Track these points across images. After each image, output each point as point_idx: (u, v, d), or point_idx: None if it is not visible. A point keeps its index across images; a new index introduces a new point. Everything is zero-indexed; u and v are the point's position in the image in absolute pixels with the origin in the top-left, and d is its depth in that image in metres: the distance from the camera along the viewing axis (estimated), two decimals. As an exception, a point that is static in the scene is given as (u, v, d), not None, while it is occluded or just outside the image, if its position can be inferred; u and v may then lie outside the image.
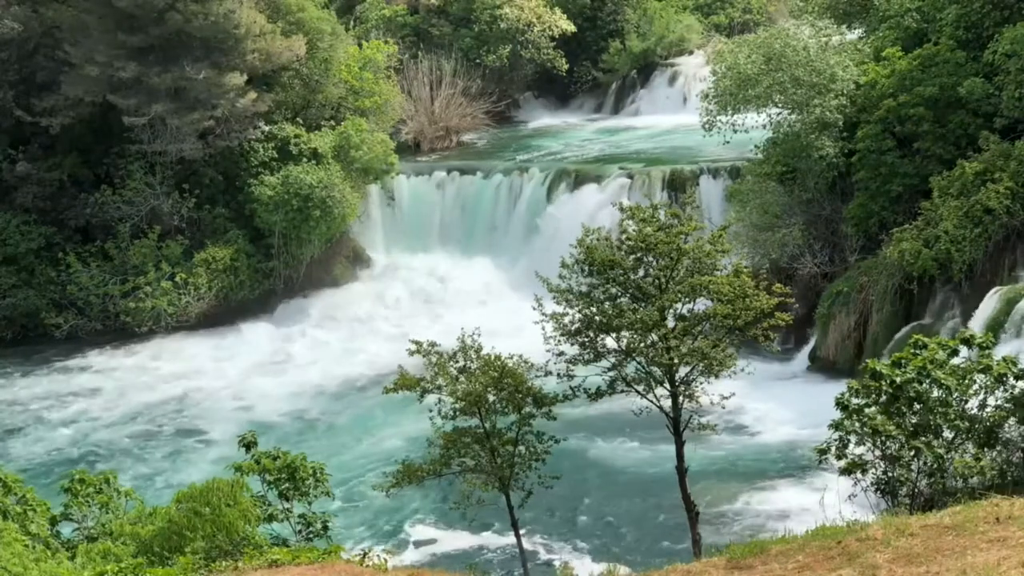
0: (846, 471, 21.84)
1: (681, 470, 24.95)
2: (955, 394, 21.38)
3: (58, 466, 37.97)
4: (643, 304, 24.34)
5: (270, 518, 22.49)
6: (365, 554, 20.61)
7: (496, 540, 31.05)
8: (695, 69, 67.16)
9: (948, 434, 21.47)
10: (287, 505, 22.65)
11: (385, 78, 58.62)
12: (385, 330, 49.39)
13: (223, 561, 19.15)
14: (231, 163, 53.14)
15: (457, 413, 24.38)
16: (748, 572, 15.55)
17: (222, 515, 20.53)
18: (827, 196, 43.77)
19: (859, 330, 40.11)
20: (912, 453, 21.17)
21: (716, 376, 24.35)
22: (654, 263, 24.42)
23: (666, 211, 25.51)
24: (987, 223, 37.28)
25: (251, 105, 51.52)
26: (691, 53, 71.50)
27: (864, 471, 21.74)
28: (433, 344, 24.84)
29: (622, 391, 24.72)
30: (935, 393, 21.43)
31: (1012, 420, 21.53)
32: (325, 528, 22.89)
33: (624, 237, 24.68)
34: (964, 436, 21.42)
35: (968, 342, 22.57)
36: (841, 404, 22.02)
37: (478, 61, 67.54)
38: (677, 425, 24.71)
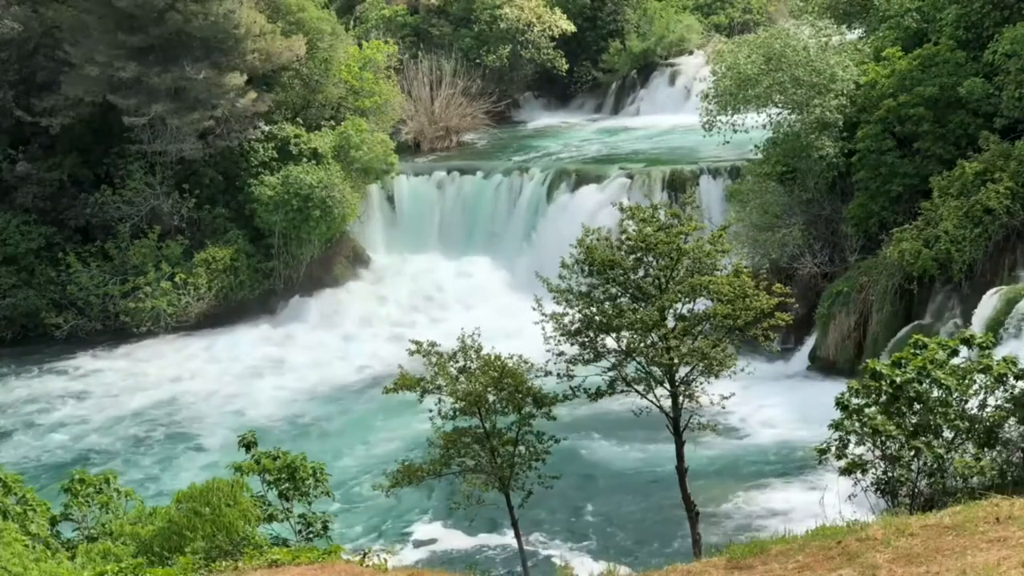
0: (846, 471, 21.83)
1: (681, 470, 24.96)
2: (955, 394, 21.37)
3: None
4: (643, 304, 24.34)
5: (270, 518, 22.48)
6: (365, 554, 20.60)
7: (496, 540, 31.05)
8: (695, 69, 67.11)
9: (948, 434, 21.46)
10: (287, 505, 22.64)
11: (385, 78, 58.62)
12: (385, 330, 49.37)
13: (223, 561, 19.15)
14: (231, 163, 53.15)
15: (457, 413, 24.38)
16: (748, 572, 15.54)
17: (222, 515, 20.53)
18: (827, 196, 43.77)
19: (859, 330, 40.11)
20: (912, 453, 21.16)
21: (716, 376, 24.37)
22: (654, 263, 24.42)
23: (666, 211, 25.52)
24: (987, 223, 37.28)
25: (251, 105, 51.53)
26: (691, 53, 71.49)
27: (864, 471, 21.73)
28: (433, 344, 24.84)
29: (622, 391, 24.73)
30: (935, 393, 21.42)
31: (1012, 420, 21.53)
32: (325, 528, 22.88)
33: (624, 237, 24.69)
34: (964, 436, 21.41)
35: (968, 342, 22.56)
36: (841, 404, 22.01)
37: (478, 61, 67.54)
38: (677, 425, 24.71)
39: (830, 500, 22.26)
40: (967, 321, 35.53)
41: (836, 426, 21.88)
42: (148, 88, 50.16)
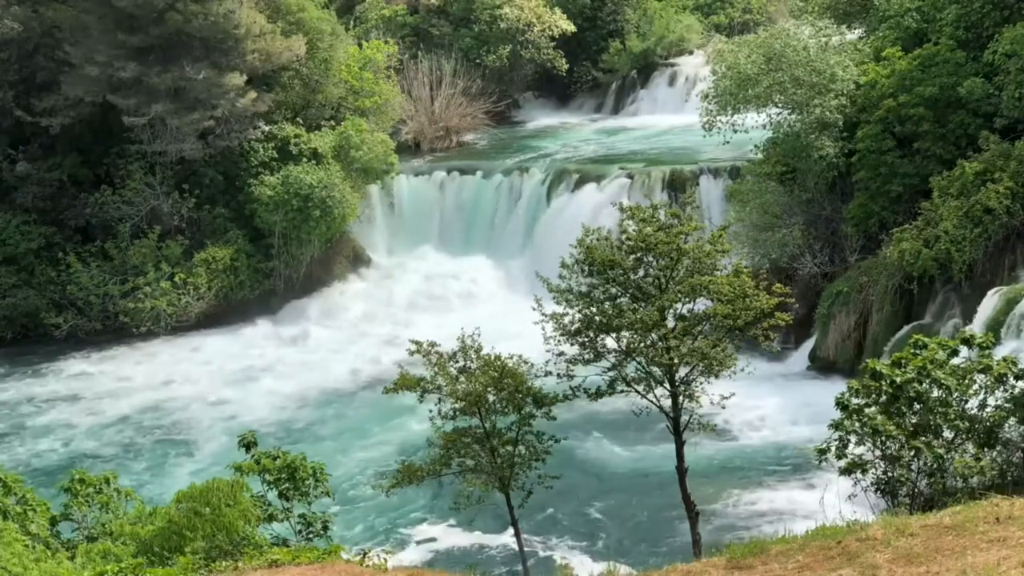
0: (846, 471, 21.82)
1: (681, 470, 24.96)
2: (955, 394, 21.36)
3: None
4: (643, 304, 24.34)
5: (270, 518, 22.48)
6: (365, 554, 20.60)
7: (496, 539, 31.06)
8: (695, 69, 67.17)
9: (948, 434, 21.46)
10: (287, 505, 22.64)
11: (385, 78, 58.64)
12: (385, 330, 49.36)
13: (223, 561, 19.14)
14: (231, 163, 53.15)
15: (457, 413, 24.39)
16: (748, 572, 15.54)
17: (222, 515, 20.52)
18: (827, 196, 43.78)
19: (859, 330, 40.11)
20: (912, 453, 21.15)
21: (716, 376, 24.36)
22: (654, 263, 24.43)
23: (666, 211, 25.51)
24: (987, 223, 37.28)
25: (251, 105, 51.53)
26: (691, 53, 71.50)
27: (864, 471, 21.72)
28: (433, 344, 24.84)
29: (622, 391, 24.72)
30: (935, 393, 21.41)
31: (1012, 420, 21.52)
32: (325, 528, 22.87)
33: (624, 237, 24.69)
34: (964, 436, 21.41)
35: (968, 342, 22.56)
36: (841, 404, 22.00)
37: (478, 61, 67.54)
38: (677, 425, 24.72)
39: (830, 500, 22.26)
40: (967, 321, 35.53)
41: (836, 426, 21.86)
42: (148, 88, 50.16)
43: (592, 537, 31.71)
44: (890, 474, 21.55)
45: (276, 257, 52.59)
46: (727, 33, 71.25)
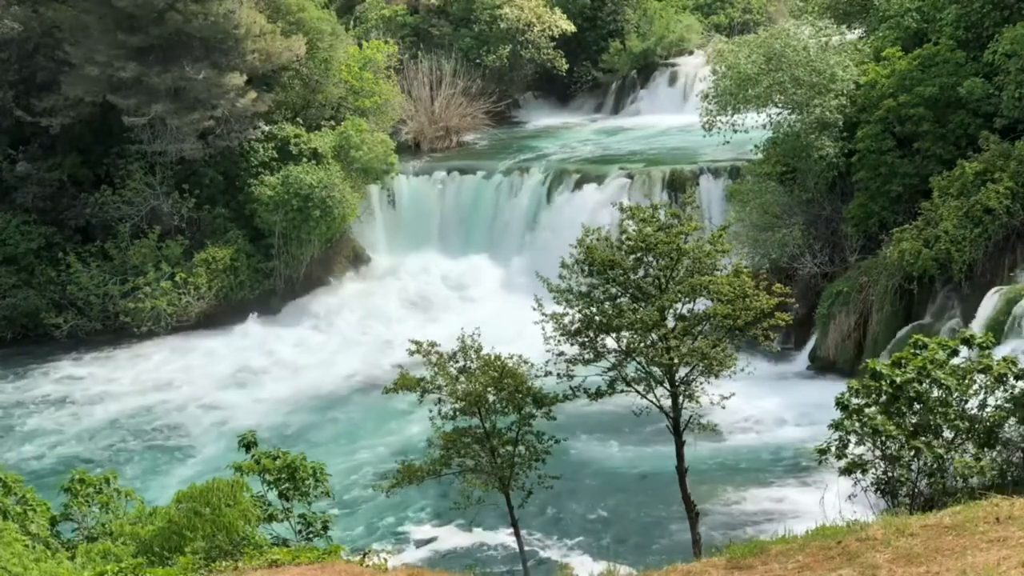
0: (846, 471, 21.83)
1: (681, 470, 24.96)
2: (955, 394, 21.37)
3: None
4: (643, 304, 24.34)
5: (270, 518, 22.48)
6: (365, 554, 20.60)
7: (496, 539, 31.06)
8: (695, 69, 67.13)
9: (948, 434, 21.47)
10: (287, 505, 22.64)
11: (385, 78, 58.64)
12: (384, 330, 49.34)
13: (223, 561, 19.15)
14: (231, 163, 53.15)
15: (457, 413, 24.38)
16: (748, 572, 15.55)
17: (222, 515, 20.52)
18: (827, 196, 43.77)
19: (859, 330, 40.11)
20: (912, 453, 21.16)
21: (716, 376, 24.36)
22: (654, 263, 24.42)
23: (666, 211, 25.51)
24: (987, 223, 37.28)
25: (251, 105, 51.53)
26: (691, 53, 71.48)
27: (864, 471, 21.73)
28: (433, 344, 24.84)
29: (622, 391, 24.72)
30: (935, 393, 21.42)
31: (1012, 420, 21.53)
32: (325, 528, 22.88)
33: (624, 237, 24.69)
34: (964, 436, 21.42)
35: (968, 342, 22.57)
36: (841, 404, 22.01)
37: (478, 61, 67.53)
38: (677, 425, 24.72)
39: (830, 500, 22.26)
40: (967, 321, 35.52)
41: (836, 426, 21.87)
42: (148, 88, 50.17)
43: (592, 537, 31.70)
44: (890, 474, 21.56)
45: (276, 257, 52.59)
46: (727, 33, 71.23)
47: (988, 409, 21.55)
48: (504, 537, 30.40)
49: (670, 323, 24.39)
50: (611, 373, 24.62)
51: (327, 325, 50.81)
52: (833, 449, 21.90)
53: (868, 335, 39.73)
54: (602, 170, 53.65)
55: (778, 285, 25.81)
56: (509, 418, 24.54)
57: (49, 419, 43.28)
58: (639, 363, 24.54)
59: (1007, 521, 15.25)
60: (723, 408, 25.03)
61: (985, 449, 21.46)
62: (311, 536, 22.68)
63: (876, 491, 21.79)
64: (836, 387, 25.32)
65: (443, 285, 53.28)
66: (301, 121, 54.74)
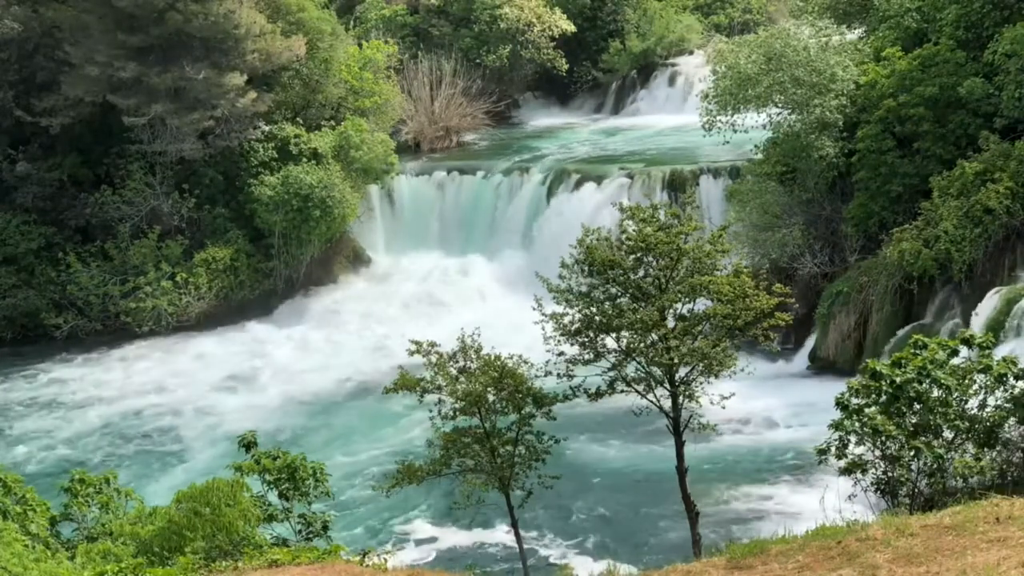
0: (846, 471, 21.83)
1: (681, 470, 24.95)
2: (955, 394, 21.36)
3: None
4: (643, 304, 24.33)
5: (270, 518, 22.48)
6: (365, 554, 20.59)
7: (496, 539, 31.06)
8: (695, 69, 67.13)
9: (948, 434, 21.46)
10: (287, 505, 22.64)
11: (385, 78, 58.65)
12: (384, 330, 49.31)
13: (223, 561, 19.15)
14: (231, 163, 53.16)
15: (457, 413, 24.38)
16: (748, 572, 15.54)
17: (222, 515, 20.53)
18: (827, 196, 43.77)
19: (859, 330, 40.10)
20: (912, 453, 21.15)
21: (716, 376, 24.35)
22: (654, 263, 24.41)
23: (666, 211, 25.51)
24: (987, 223, 37.27)
25: (251, 105, 51.54)
26: (691, 53, 71.50)
27: (864, 471, 21.73)
28: (433, 344, 24.84)
29: (622, 391, 24.71)
30: (935, 393, 21.41)
31: (1012, 420, 21.53)
32: (325, 528, 22.88)
33: (624, 237, 24.68)
34: (964, 436, 21.41)
35: (968, 342, 22.56)
36: (841, 404, 22.00)
37: (478, 61, 67.54)
38: (677, 425, 24.71)
39: (830, 500, 22.23)
40: (967, 321, 35.52)
41: (836, 426, 21.87)
42: (148, 88, 50.17)
43: (592, 537, 31.69)
44: (890, 474, 21.56)
45: (276, 257, 52.62)
46: (727, 33, 71.23)
47: (988, 409, 21.54)
48: (504, 537, 30.40)
49: (670, 323, 24.38)
50: (611, 373, 24.61)
51: (327, 325, 50.77)
52: (833, 449, 21.89)
53: (868, 335, 39.73)
54: (602, 170, 53.66)
55: (778, 285, 25.80)
56: (509, 418, 24.53)
57: (49, 419, 43.18)
58: (639, 363, 24.53)
59: (1007, 521, 15.24)
60: (723, 408, 25.01)
61: (985, 449, 21.46)
62: (311, 536, 22.68)
63: (876, 491, 21.79)
64: (836, 387, 25.27)
65: (443, 285, 53.26)
66: (301, 121, 54.76)
